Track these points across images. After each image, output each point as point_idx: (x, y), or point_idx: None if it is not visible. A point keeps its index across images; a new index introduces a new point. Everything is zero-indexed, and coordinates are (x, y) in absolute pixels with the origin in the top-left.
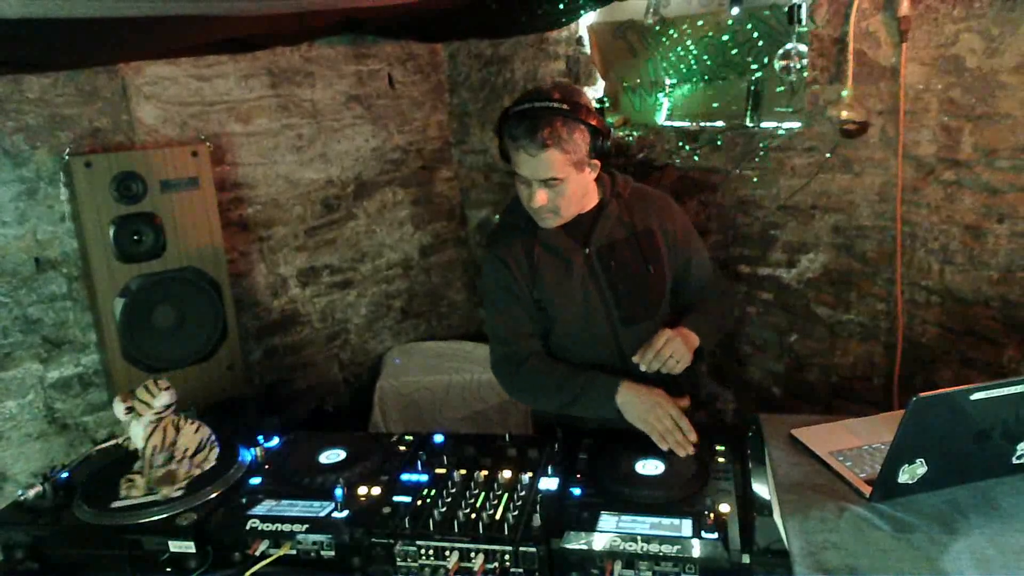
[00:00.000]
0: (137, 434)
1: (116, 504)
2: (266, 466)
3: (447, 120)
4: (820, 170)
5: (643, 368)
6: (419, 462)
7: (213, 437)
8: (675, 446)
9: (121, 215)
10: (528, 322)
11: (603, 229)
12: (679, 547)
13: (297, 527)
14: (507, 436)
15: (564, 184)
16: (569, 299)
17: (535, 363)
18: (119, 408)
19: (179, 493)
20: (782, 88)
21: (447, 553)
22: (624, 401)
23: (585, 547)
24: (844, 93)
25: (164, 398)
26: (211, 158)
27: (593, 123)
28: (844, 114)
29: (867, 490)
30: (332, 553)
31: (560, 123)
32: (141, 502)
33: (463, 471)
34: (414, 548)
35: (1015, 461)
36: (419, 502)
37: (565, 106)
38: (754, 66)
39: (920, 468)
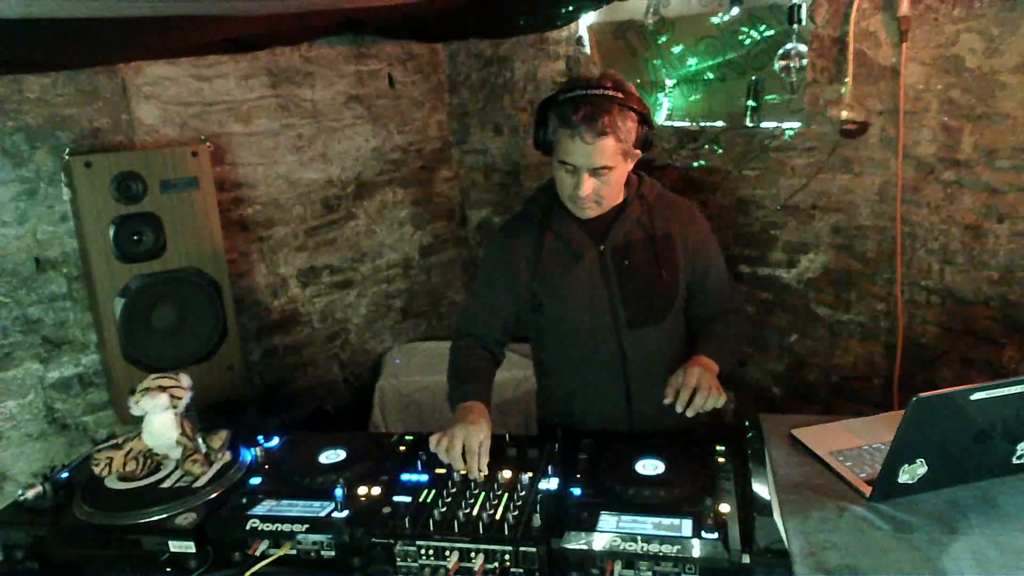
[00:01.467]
0: (168, 423)
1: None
2: (266, 466)
3: (447, 120)
4: (820, 170)
5: (690, 415)
6: (419, 462)
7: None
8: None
9: (121, 215)
10: (501, 310)
11: (621, 229)
12: (679, 547)
13: (297, 527)
14: (507, 436)
15: (611, 173)
16: (574, 295)
17: (459, 344)
18: (163, 399)
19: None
20: (783, 89)
21: (447, 553)
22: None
23: (585, 547)
24: (844, 89)
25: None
26: (211, 158)
27: (644, 112)
28: (844, 114)
29: (867, 490)
30: (332, 553)
31: (616, 111)
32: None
33: (463, 471)
34: (414, 548)
35: (1015, 461)
36: (419, 502)
37: (620, 94)
38: (754, 66)
39: (920, 468)
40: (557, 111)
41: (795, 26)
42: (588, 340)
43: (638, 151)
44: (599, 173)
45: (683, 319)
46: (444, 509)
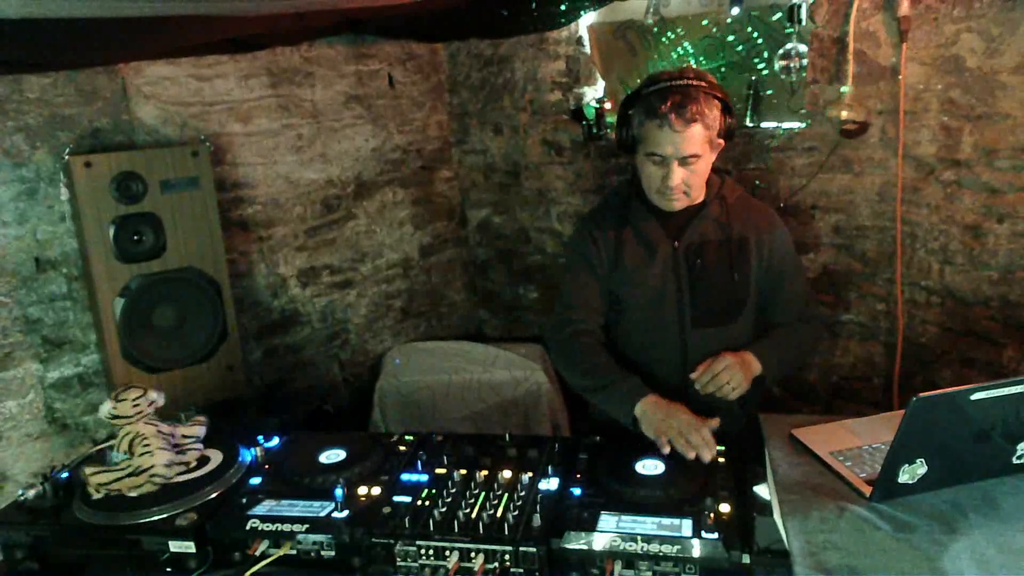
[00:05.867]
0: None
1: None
2: (266, 466)
3: (447, 120)
4: (820, 170)
5: (697, 387)
6: (419, 462)
7: None
8: (681, 448)
9: (121, 215)
10: (596, 299)
11: (697, 227)
12: (679, 547)
13: (297, 527)
14: (507, 436)
15: (699, 162)
16: (645, 288)
17: (583, 340)
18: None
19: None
20: (783, 89)
21: (447, 553)
22: (642, 413)
23: (585, 547)
24: (844, 90)
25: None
26: (211, 158)
27: (726, 100)
28: (844, 114)
29: (867, 490)
30: (332, 553)
31: (703, 98)
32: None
33: (463, 471)
34: (414, 548)
35: (1015, 461)
36: (419, 502)
37: (703, 83)
38: (754, 66)
39: (920, 468)
40: (642, 105)
41: (795, 26)
42: (652, 335)
43: (722, 141)
44: (688, 162)
45: (752, 325)
46: (444, 509)
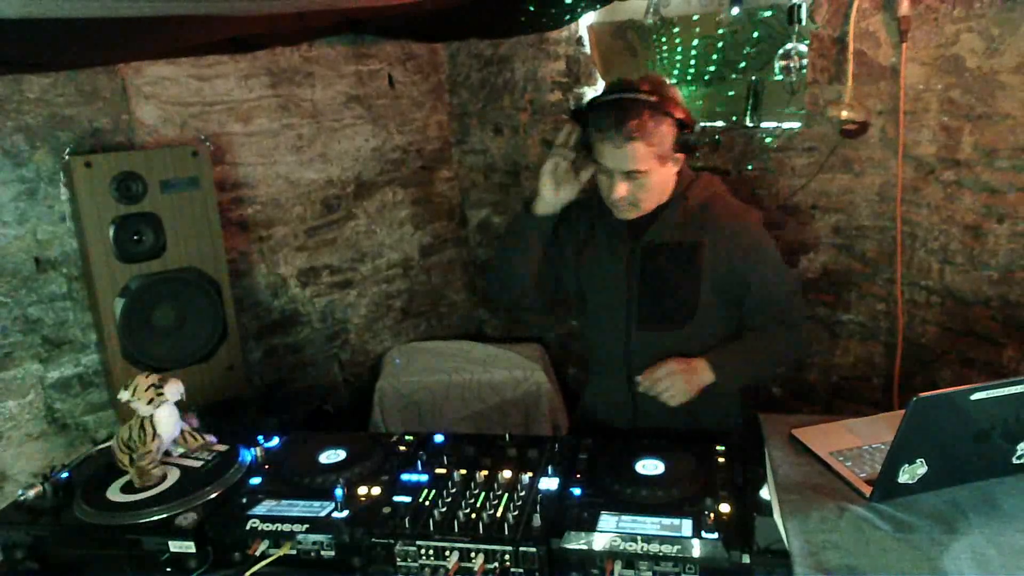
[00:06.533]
0: (166, 418)
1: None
2: (266, 466)
3: (447, 120)
4: (820, 170)
5: (641, 390)
6: (419, 462)
7: None
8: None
9: (121, 215)
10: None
11: (657, 229)
12: (679, 547)
13: (297, 527)
14: (507, 436)
15: (646, 177)
16: (600, 283)
17: None
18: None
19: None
20: (783, 88)
21: (447, 553)
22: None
23: (585, 547)
24: (844, 89)
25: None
26: (211, 158)
27: (680, 116)
28: (844, 114)
29: (867, 490)
30: (332, 553)
31: (648, 115)
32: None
33: (463, 471)
34: (414, 548)
35: (1015, 461)
36: (419, 502)
37: (654, 97)
38: (754, 66)
39: (920, 468)
40: (592, 115)
41: (795, 26)
42: (602, 334)
43: (679, 155)
44: (633, 176)
45: (711, 330)
46: (444, 509)
